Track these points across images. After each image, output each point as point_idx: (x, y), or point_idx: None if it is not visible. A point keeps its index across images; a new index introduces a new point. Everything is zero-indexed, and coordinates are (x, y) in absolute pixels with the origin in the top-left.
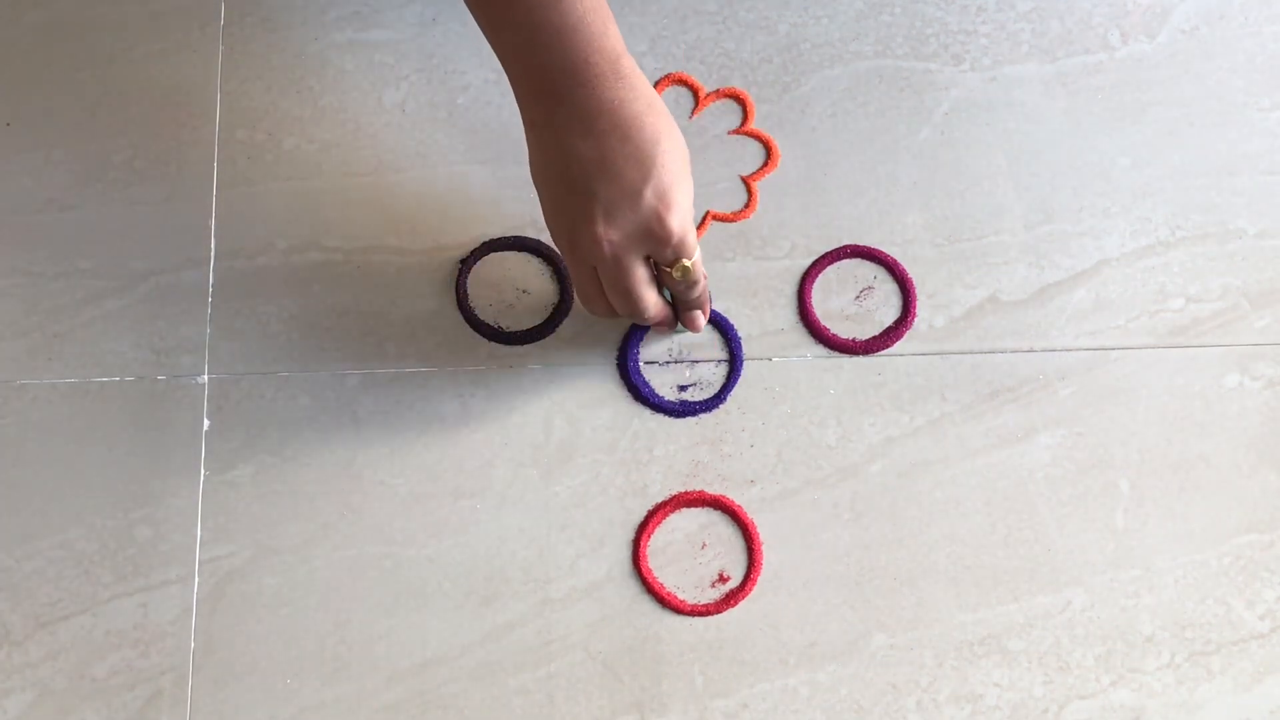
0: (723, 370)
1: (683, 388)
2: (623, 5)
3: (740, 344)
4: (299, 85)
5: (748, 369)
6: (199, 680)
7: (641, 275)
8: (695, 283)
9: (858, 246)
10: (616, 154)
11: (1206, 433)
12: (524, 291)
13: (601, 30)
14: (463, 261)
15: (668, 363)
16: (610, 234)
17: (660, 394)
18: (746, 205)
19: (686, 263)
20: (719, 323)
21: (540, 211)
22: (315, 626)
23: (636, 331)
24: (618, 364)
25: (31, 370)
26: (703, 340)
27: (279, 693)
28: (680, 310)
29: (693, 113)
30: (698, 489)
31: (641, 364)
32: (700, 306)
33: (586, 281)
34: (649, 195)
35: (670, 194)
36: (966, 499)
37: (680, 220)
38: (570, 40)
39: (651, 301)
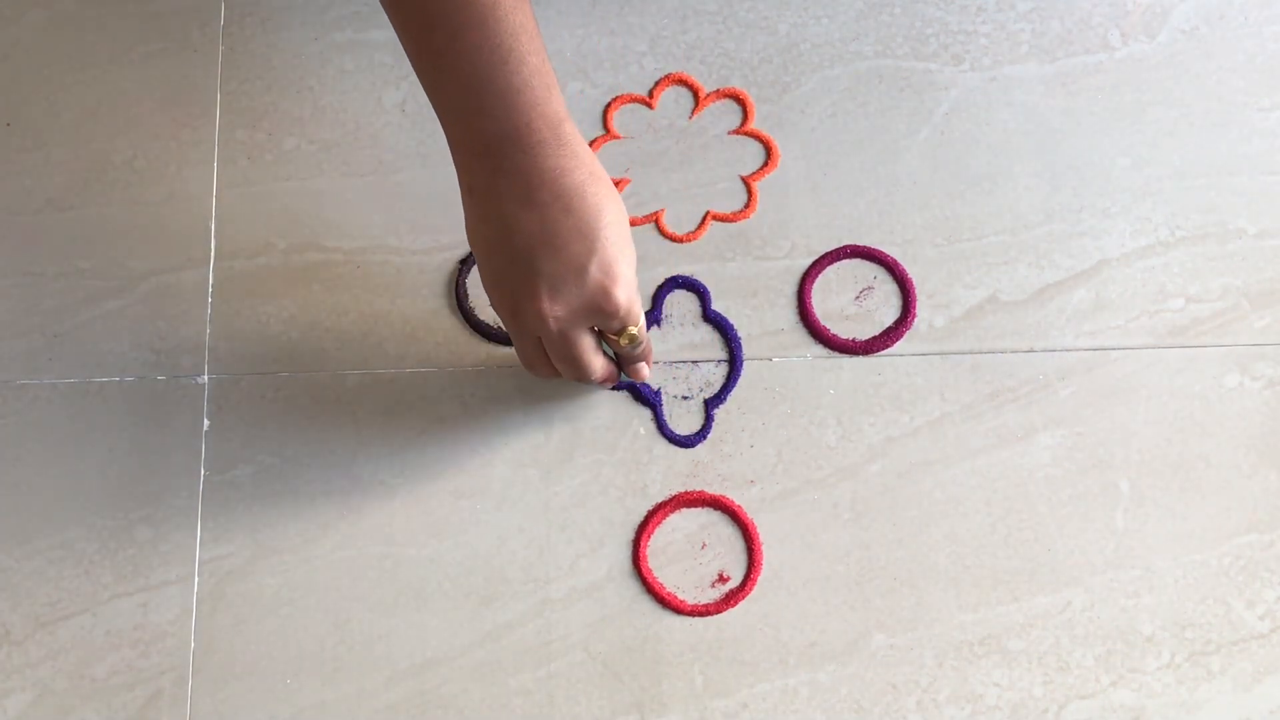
0: (723, 370)
1: (685, 397)
2: (623, 5)
3: (740, 344)
4: (299, 85)
5: (748, 369)
6: (199, 680)
7: (588, 344)
8: (640, 343)
9: (858, 246)
10: (560, 226)
11: (1206, 433)
12: None
13: (545, 95)
14: (463, 261)
15: (671, 363)
16: (555, 309)
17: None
18: (746, 205)
19: (633, 330)
20: (719, 323)
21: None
22: (315, 626)
23: None
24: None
25: (31, 370)
26: (704, 340)
27: (279, 693)
28: (624, 364)
29: (693, 113)
30: (698, 489)
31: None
32: (645, 359)
33: (530, 350)
34: (594, 270)
35: (614, 267)
36: (966, 499)
37: (626, 293)
38: (514, 103)
39: (599, 366)
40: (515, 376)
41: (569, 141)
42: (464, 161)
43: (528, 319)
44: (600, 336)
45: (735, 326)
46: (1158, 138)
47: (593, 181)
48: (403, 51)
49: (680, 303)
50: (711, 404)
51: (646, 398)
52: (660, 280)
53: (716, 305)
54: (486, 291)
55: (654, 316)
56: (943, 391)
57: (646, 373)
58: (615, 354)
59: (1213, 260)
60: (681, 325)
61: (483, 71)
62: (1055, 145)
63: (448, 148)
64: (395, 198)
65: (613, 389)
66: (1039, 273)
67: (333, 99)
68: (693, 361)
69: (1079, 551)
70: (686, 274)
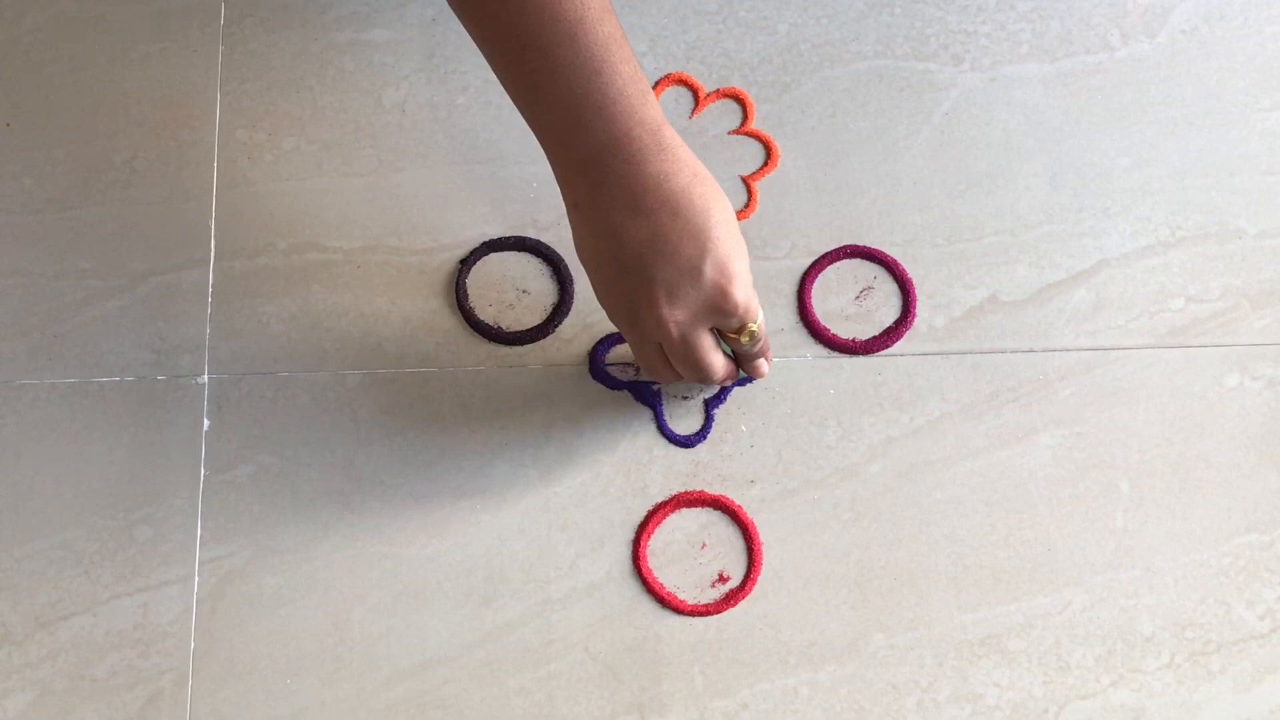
0: None
1: (685, 397)
2: (622, 5)
3: None
4: (299, 85)
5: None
6: (199, 680)
7: (709, 345)
8: (759, 340)
9: (858, 246)
10: (669, 231)
11: (1206, 433)
12: (524, 291)
13: (641, 101)
14: (463, 261)
15: None
16: (675, 314)
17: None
18: (746, 205)
19: (753, 327)
20: None
21: (540, 213)
22: (315, 626)
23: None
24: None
25: (31, 370)
26: None
27: (279, 693)
28: (743, 362)
29: (693, 113)
30: (698, 489)
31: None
32: (764, 355)
33: (652, 355)
34: (709, 270)
35: (729, 265)
36: (966, 499)
37: (743, 290)
38: (611, 114)
39: (720, 365)
40: (515, 376)
41: (669, 146)
42: (566, 177)
43: (647, 326)
44: (719, 335)
45: None
46: (1158, 138)
47: (697, 183)
48: (402, 51)
49: None
50: (711, 404)
51: (646, 398)
52: None
53: None
54: (601, 304)
55: None
56: (943, 391)
57: (766, 369)
58: (734, 352)
59: (1213, 260)
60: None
61: (578, 87)
62: (1055, 145)
63: (448, 147)
64: (395, 198)
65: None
66: (1039, 273)
67: (333, 99)
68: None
69: (1079, 551)
70: None
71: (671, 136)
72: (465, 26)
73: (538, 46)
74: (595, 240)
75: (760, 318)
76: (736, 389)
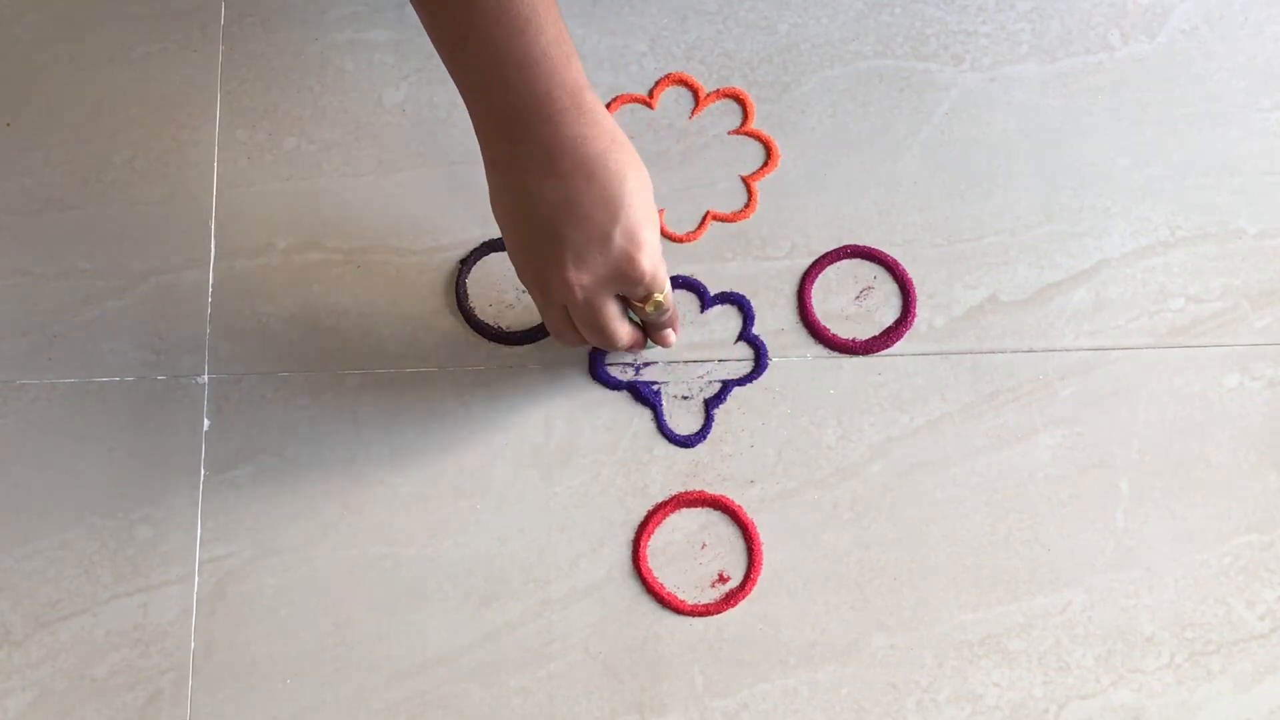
0: (724, 369)
1: (685, 397)
2: (622, 5)
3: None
4: (299, 85)
5: (747, 367)
6: (199, 680)
7: (614, 311)
8: (665, 310)
9: (858, 246)
10: (582, 195)
11: (1206, 433)
12: (524, 291)
13: (565, 64)
14: (463, 261)
15: (670, 363)
16: (581, 278)
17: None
18: (746, 205)
19: (659, 297)
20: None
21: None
22: (315, 626)
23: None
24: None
25: (31, 370)
26: (704, 340)
27: (279, 693)
28: (651, 331)
29: (693, 113)
30: (698, 489)
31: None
32: (671, 325)
33: (557, 318)
34: (618, 237)
35: (639, 233)
36: (966, 499)
37: (651, 259)
38: (532, 74)
39: (625, 333)
40: (515, 376)
41: (590, 109)
42: (486, 135)
43: (554, 288)
44: (626, 304)
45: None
46: (1158, 138)
47: (615, 149)
48: (402, 51)
49: (680, 302)
50: (711, 404)
51: (646, 398)
52: None
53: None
54: (512, 261)
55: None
56: (943, 391)
57: (673, 339)
58: (642, 321)
59: (1213, 260)
60: (681, 325)
61: (500, 42)
62: (1055, 145)
63: (448, 147)
64: (395, 198)
65: (614, 389)
66: (1039, 273)
67: (333, 99)
68: (693, 361)
69: (1079, 551)
70: (686, 274)
71: (593, 100)
72: None
73: (465, 2)
74: (509, 198)
75: (667, 289)
76: (738, 389)
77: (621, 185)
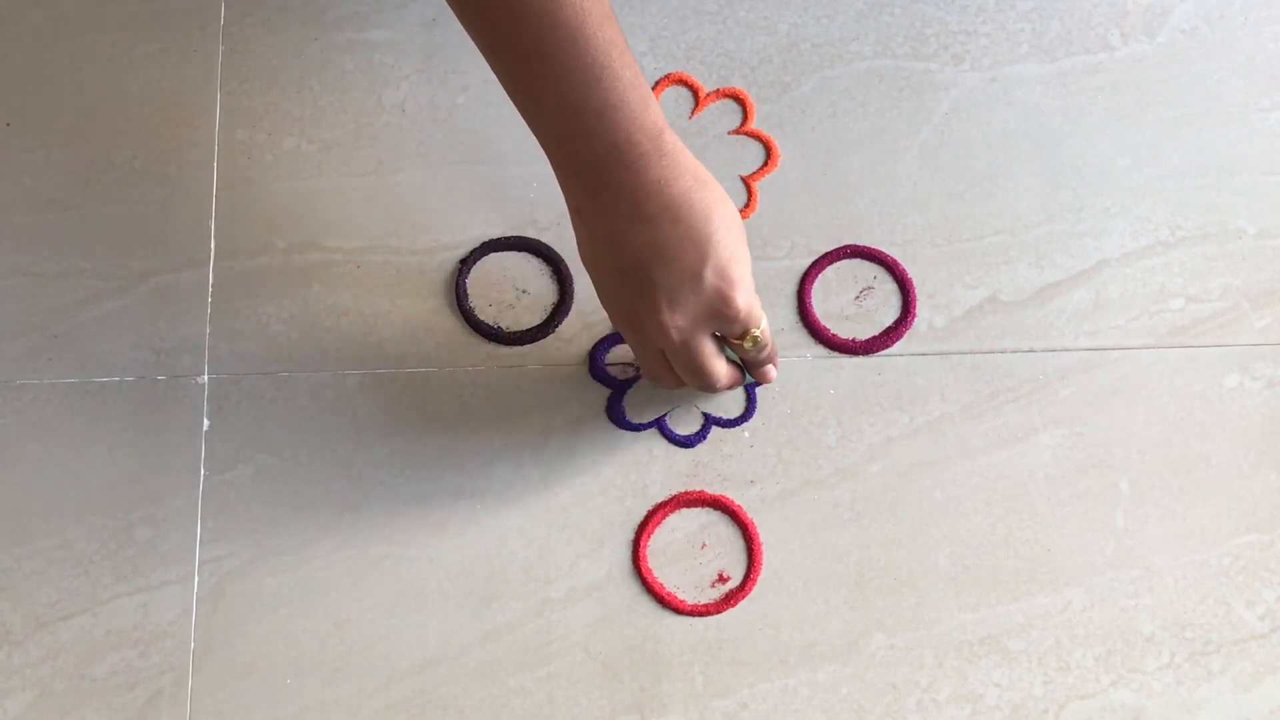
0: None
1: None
2: (623, 5)
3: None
4: (299, 85)
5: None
6: (199, 680)
7: (711, 350)
8: (764, 346)
9: (858, 246)
10: (670, 237)
11: (1206, 433)
12: (524, 291)
13: (642, 108)
14: (463, 261)
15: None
16: (677, 320)
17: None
18: (746, 205)
19: (756, 332)
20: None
21: (540, 213)
22: (315, 626)
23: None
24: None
25: (31, 370)
26: None
27: (279, 693)
28: (751, 369)
29: (693, 113)
30: (698, 489)
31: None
32: (771, 360)
33: (653, 362)
34: (709, 276)
35: (730, 270)
36: (966, 499)
37: (745, 295)
38: (612, 120)
39: (724, 372)
40: (515, 376)
41: (670, 151)
42: (568, 183)
43: (649, 332)
44: (723, 342)
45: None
46: (1158, 138)
47: (699, 187)
48: (402, 51)
49: None
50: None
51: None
52: None
53: None
54: (604, 307)
55: None
56: (943, 391)
57: (773, 374)
58: (740, 359)
59: (1213, 260)
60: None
61: (579, 93)
62: (1055, 145)
63: (448, 147)
64: (395, 198)
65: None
66: (1039, 273)
67: (333, 99)
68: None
69: (1079, 551)
70: None
71: (673, 142)
72: (470, 34)
73: (539, 54)
74: (597, 246)
75: (764, 324)
76: (738, 391)
77: (709, 224)
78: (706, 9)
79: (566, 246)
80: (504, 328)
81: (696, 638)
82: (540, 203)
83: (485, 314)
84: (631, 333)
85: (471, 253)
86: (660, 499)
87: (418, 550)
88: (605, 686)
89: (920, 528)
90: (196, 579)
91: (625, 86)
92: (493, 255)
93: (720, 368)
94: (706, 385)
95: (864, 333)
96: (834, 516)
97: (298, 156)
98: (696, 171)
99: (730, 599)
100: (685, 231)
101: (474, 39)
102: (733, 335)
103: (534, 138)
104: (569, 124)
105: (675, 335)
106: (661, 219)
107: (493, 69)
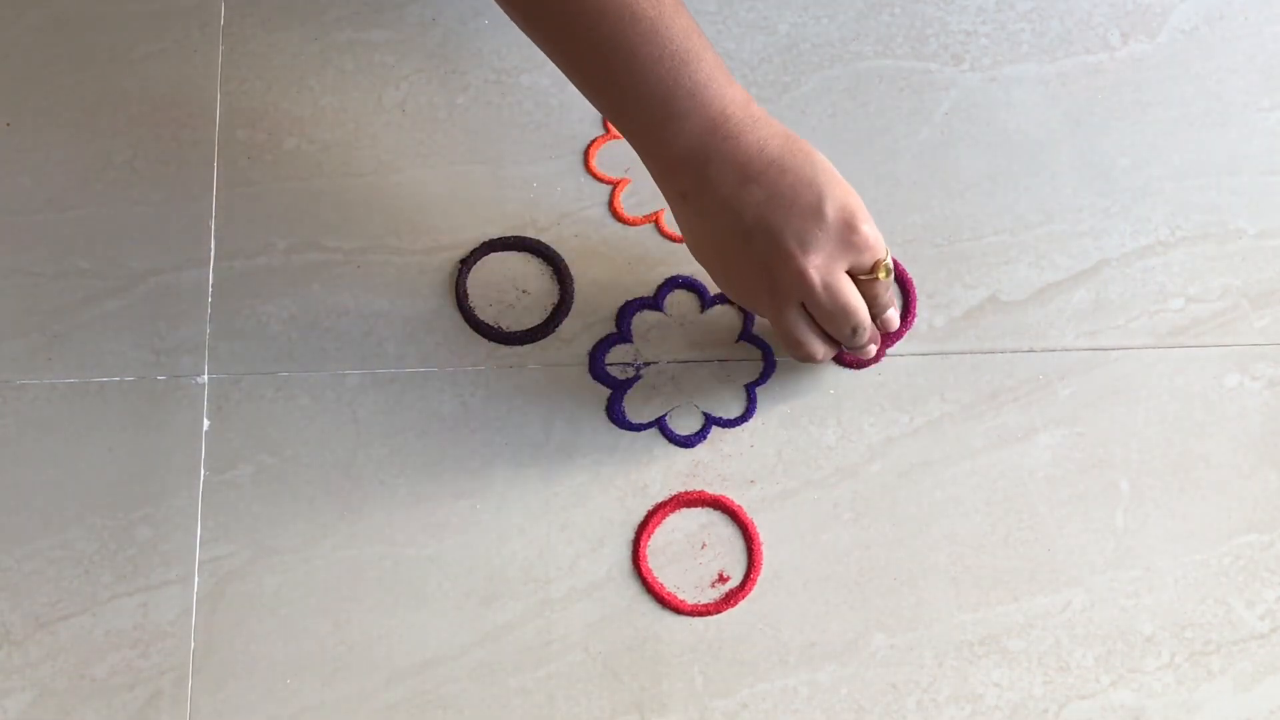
0: (725, 368)
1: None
2: None
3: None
4: (299, 85)
5: (748, 369)
6: (199, 680)
7: (853, 287)
8: (893, 273)
9: None
10: (782, 185)
11: (1206, 433)
12: (524, 291)
13: (728, 81)
14: (463, 261)
15: (670, 363)
16: (813, 260)
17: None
18: None
19: (887, 261)
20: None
21: (540, 212)
22: (315, 626)
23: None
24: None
25: (31, 370)
26: (704, 340)
27: (279, 693)
28: (876, 311)
29: None
30: (698, 489)
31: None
32: (891, 304)
33: (796, 325)
34: (830, 210)
35: (849, 201)
36: (966, 499)
37: (868, 223)
38: (704, 98)
39: (867, 314)
40: (515, 376)
41: (760, 116)
42: (669, 168)
43: (787, 286)
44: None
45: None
46: (1158, 138)
47: (791, 142)
48: (402, 51)
49: (680, 303)
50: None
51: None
52: (660, 280)
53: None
54: (728, 288)
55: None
56: (943, 391)
57: (896, 320)
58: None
59: (1213, 260)
60: (681, 325)
61: (668, 80)
62: (1055, 145)
63: (448, 147)
64: (395, 198)
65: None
66: (1039, 273)
67: (333, 99)
68: (693, 361)
69: (1079, 551)
70: (686, 274)
71: (759, 109)
72: (537, 43)
73: (624, 48)
74: (711, 221)
75: (889, 254)
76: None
77: (814, 167)
78: (706, 9)
79: (566, 246)
80: (504, 328)
81: (696, 638)
82: (540, 203)
83: (485, 314)
84: (768, 297)
85: (471, 253)
86: (660, 499)
87: (418, 550)
88: (605, 686)
89: (920, 528)
90: (196, 579)
91: (711, 65)
92: (493, 255)
93: (863, 307)
94: (859, 325)
95: None
96: (834, 516)
97: (298, 156)
98: (785, 131)
99: (730, 599)
100: (795, 178)
101: (545, 48)
102: (863, 268)
103: (534, 136)
104: (662, 112)
105: (815, 276)
106: (769, 173)
107: (569, 74)
